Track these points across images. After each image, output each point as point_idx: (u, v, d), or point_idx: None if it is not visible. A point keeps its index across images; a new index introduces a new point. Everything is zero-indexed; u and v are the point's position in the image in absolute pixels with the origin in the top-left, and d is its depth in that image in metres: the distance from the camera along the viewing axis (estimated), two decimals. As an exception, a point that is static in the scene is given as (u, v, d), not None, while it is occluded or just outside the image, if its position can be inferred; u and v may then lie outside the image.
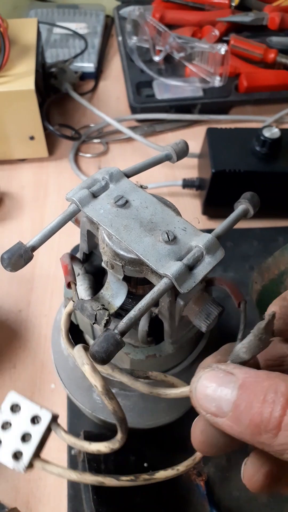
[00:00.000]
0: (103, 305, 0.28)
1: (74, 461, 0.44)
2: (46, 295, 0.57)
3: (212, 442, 0.23)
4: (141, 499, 0.39)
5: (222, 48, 0.74)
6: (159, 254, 0.26)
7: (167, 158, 0.31)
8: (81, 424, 0.46)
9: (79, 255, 0.35)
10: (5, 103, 0.60)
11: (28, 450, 0.24)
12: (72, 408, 0.47)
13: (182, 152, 0.31)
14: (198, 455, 0.27)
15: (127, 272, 0.28)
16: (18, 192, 0.67)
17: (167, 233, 0.26)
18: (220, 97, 0.77)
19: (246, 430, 0.20)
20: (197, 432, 0.23)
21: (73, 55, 0.82)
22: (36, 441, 0.24)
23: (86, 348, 0.25)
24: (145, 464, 0.42)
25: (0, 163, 0.69)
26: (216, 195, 0.61)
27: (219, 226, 0.27)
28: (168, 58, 0.80)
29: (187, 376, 0.28)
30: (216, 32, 0.80)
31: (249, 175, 0.58)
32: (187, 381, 0.25)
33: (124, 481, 0.25)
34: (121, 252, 0.27)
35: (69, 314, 0.32)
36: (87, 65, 0.82)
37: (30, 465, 0.24)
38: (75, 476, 0.24)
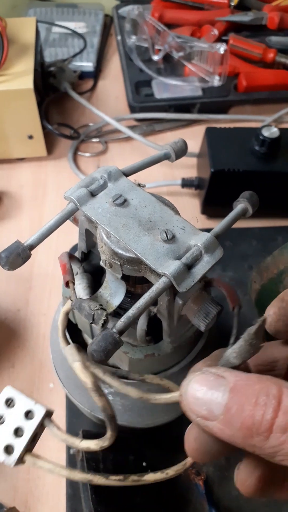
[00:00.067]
0: (101, 305, 0.28)
1: (73, 460, 0.44)
2: (45, 294, 0.56)
3: (206, 449, 0.23)
4: (140, 498, 0.39)
5: (221, 48, 0.74)
6: (158, 253, 0.25)
7: (165, 157, 0.31)
8: (80, 423, 0.46)
9: (77, 254, 0.35)
10: (3, 102, 0.60)
11: (19, 444, 0.24)
12: (71, 408, 0.47)
13: (181, 151, 0.31)
14: (189, 460, 0.27)
15: (125, 271, 0.28)
16: (17, 191, 0.66)
17: (165, 232, 0.26)
18: (219, 97, 0.76)
19: (238, 433, 0.20)
20: (191, 440, 0.23)
21: (72, 54, 0.82)
22: (28, 436, 0.24)
23: (79, 348, 0.25)
24: (144, 464, 0.42)
25: (-1, 162, 0.69)
26: (215, 194, 0.60)
27: (218, 225, 0.27)
28: (167, 58, 0.80)
29: (185, 375, 0.28)
30: (215, 32, 0.80)
31: (248, 175, 0.58)
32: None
33: (112, 480, 0.25)
34: (120, 251, 0.27)
35: (67, 313, 0.32)
36: (86, 64, 0.82)
37: (21, 460, 0.24)
38: (64, 472, 0.24)
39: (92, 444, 0.25)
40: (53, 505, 0.43)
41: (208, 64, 0.76)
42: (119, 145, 0.74)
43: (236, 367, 0.22)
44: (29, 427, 0.25)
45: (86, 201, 0.27)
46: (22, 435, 0.24)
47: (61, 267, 0.32)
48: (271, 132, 0.57)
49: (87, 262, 0.36)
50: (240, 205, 0.28)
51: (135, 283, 0.31)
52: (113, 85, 0.82)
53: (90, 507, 0.35)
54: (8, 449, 0.24)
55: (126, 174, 0.29)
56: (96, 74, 0.83)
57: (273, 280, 0.43)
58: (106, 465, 0.39)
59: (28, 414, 0.25)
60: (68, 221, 0.29)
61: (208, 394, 0.21)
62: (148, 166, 0.30)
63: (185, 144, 0.31)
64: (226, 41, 0.80)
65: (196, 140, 0.64)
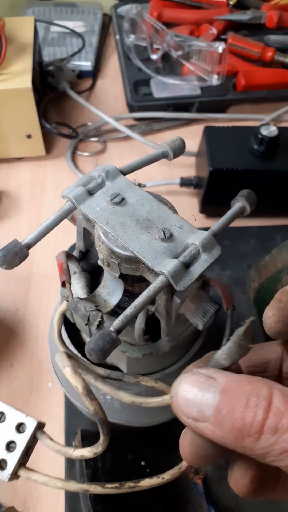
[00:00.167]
0: (96, 306, 0.28)
1: (71, 460, 0.44)
2: (44, 293, 0.56)
3: (201, 454, 0.23)
4: (139, 497, 0.39)
5: (220, 47, 0.74)
6: (155, 252, 0.25)
7: (163, 155, 0.31)
8: (78, 422, 0.46)
9: (75, 253, 0.35)
10: (2, 101, 0.60)
11: (12, 459, 0.24)
12: (70, 407, 0.47)
13: (179, 149, 0.31)
14: (184, 464, 0.27)
15: (123, 270, 0.28)
16: (16, 191, 0.66)
17: (163, 231, 0.26)
18: (217, 96, 0.76)
19: (229, 435, 0.20)
20: (186, 444, 0.23)
21: (71, 54, 0.82)
22: (20, 450, 0.24)
23: (68, 355, 0.26)
24: (143, 463, 0.42)
25: (-3, 161, 0.69)
26: (213, 193, 0.60)
27: (216, 223, 0.27)
28: (165, 57, 0.80)
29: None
30: (214, 31, 0.80)
31: (247, 174, 0.58)
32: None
33: (109, 488, 0.25)
34: (117, 250, 0.27)
35: (63, 314, 0.31)
36: (85, 63, 0.82)
37: (15, 475, 0.24)
38: (60, 484, 0.24)
39: (86, 452, 0.25)
40: (52, 505, 0.43)
41: (206, 63, 0.76)
42: (117, 144, 0.74)
43: (226, 369, 0.22)
44: (21, 441, 0.25)
45: (84, 200, 0.27)
46: (14, 449, 0.24)
47: (58, 267, 0.31)
48: (270, 131, 0.57)
49: (85, 261, 0.36)
50: (238, 203, 0.28)
51: (133, 282, 0.31)
52: (111, 84, 0.82)
53: (89, 507, 0.35)
54: (1, 464, 0.24)
55: (124, 172, 0.29)
56: (94, 73, 0.83)
57: (271, 279, 0.42)
58: (105, 464, 0.38)
59: (20, 428, 0.25)
60: (66, 220, 0.29)
61: (198, 395, 0.20)
62: (146, 164, 0.30)
63: (183, 143, 0.31)
64: (225, 40, 0.80)
65: (195, 139, 0.64)
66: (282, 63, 0.80)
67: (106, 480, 0.27)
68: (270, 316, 0.25)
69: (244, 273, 0.58)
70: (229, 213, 0.28)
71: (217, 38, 0.81)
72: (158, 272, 0.25)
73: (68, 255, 0.33)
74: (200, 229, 0.27)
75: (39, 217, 0.64)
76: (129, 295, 0.32)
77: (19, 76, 0.60)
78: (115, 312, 0.31)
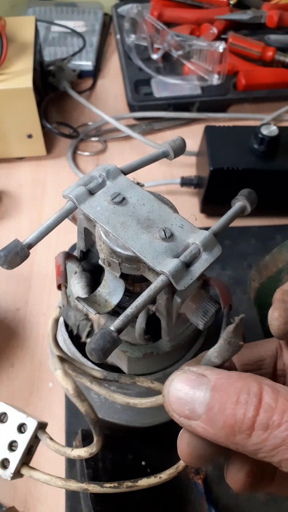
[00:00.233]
0: (86, 315, 0.28)
1: (72, 460, 0.44)
2: (44, 293, 0.56)
3: (199, 454, 0.23)
4: (139, 497, 0.39)
5: (220, 46, 0.74)
6: (156, 251, 0.25)
7: (164, 155, 0.31)
8: (79, 422, 0.46)
9: (76, 253, 0.35)
10: (3, 101, 0.60)
11: (14, 458, 0.25)
12: (70, 407, 0.47)
13: (179, 149, 0.31)
14: (181, 464, 0.27)
15: (124, 269, 0.28)
16: (16, 191, 0.66)
17: (164, 230, 0.26)
18: (218, 95, 0.76)
19: (220, 432, 0.20)
20: (184, 445, 0.23)
21: (71, 53, 0.82)
22: (22, 449, 0.25)
23: (61, 358, 0.26)
24: (143, 463, 0.42)
25: (-2, 161, 0.69)
26: (214, 193, 0.60)
27: (216, 223, 0.27)
28: (166, 56, 0.80)
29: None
30: (214, 30, 0.80)
31: (247, 173, 0.58)
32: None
33: (107, 487, 0.25)
34: (118, 250, 0.27)
35: (56, 320, 0.32)
36: (85, 63, 0.82)
37: (18, 473, 0.25)
38: (60, 483, 0.25)
39: (82, 452, 0.25)
40: (52, 504, 0.43)
41: (207, 62, 0.76)
42: (118, 144, 0.74)
43: (218, 367, 0.22)
44: (23, 441, 0.25)
45: (85, 199, 0.27)
46: (16, 449, 0.25)
47: (55, 269, 0.31)
48: (270, 130, 0.57)
49: (86, 261, 0.36)
50: (238, 203, 0.28)
51: (134, 282, 0.31)
52: (112, 84, 0.82)
53: (89, 507, 0.35)
54: (4, 463, 0.25)
55: (125, 172, 0.29)
56: (95, 73, 0.83)
57: (272, 279, 0.42)
58: (105, 464, 0.38)
59: (21, 428, 0.26)
60: (67, 220, 0.29)
61: (190, 393, 0.20)
62: (147, 164, 0.30)
63: (183, 142, 0.31)
64: (225, 40, 0.80)
65: (195, 139, 0.64)
66: (283, 62, 0.80)
67: (107, 480, 0.27)
68: (277, 318, 0.24)
69: (245, 272, 0.58)
70: (230, 213, 0.28)
71: (218, 38, 0.81)
72: (158, 272, 0.25)
73: (69, 255, 0.33)
74: (200, 228, 0.27)
75: (40, 217, 0.64)
76: (129, 295, 0.32)
77: (20, 76, 0.60)
78: (116, 311, 0.31)
